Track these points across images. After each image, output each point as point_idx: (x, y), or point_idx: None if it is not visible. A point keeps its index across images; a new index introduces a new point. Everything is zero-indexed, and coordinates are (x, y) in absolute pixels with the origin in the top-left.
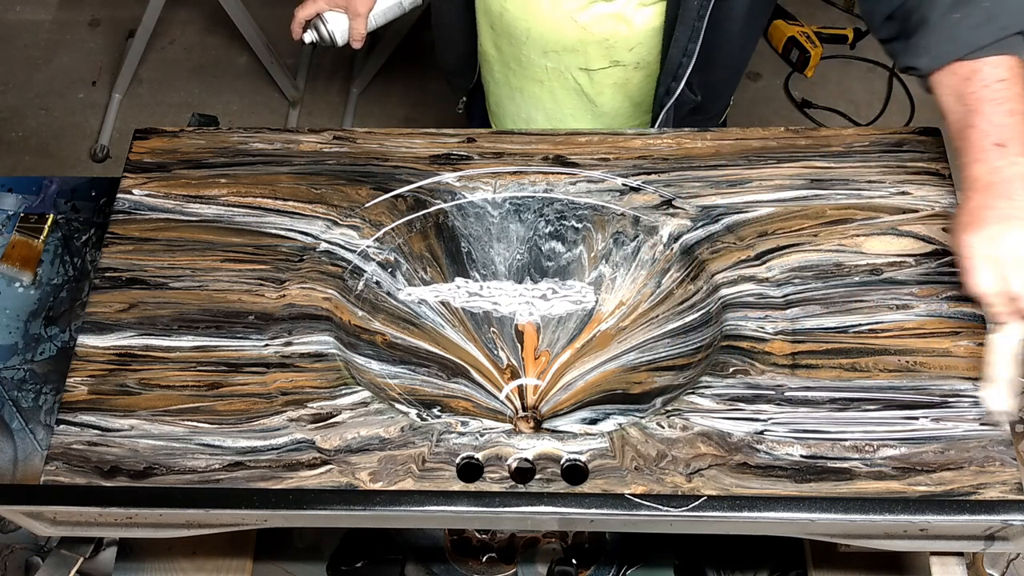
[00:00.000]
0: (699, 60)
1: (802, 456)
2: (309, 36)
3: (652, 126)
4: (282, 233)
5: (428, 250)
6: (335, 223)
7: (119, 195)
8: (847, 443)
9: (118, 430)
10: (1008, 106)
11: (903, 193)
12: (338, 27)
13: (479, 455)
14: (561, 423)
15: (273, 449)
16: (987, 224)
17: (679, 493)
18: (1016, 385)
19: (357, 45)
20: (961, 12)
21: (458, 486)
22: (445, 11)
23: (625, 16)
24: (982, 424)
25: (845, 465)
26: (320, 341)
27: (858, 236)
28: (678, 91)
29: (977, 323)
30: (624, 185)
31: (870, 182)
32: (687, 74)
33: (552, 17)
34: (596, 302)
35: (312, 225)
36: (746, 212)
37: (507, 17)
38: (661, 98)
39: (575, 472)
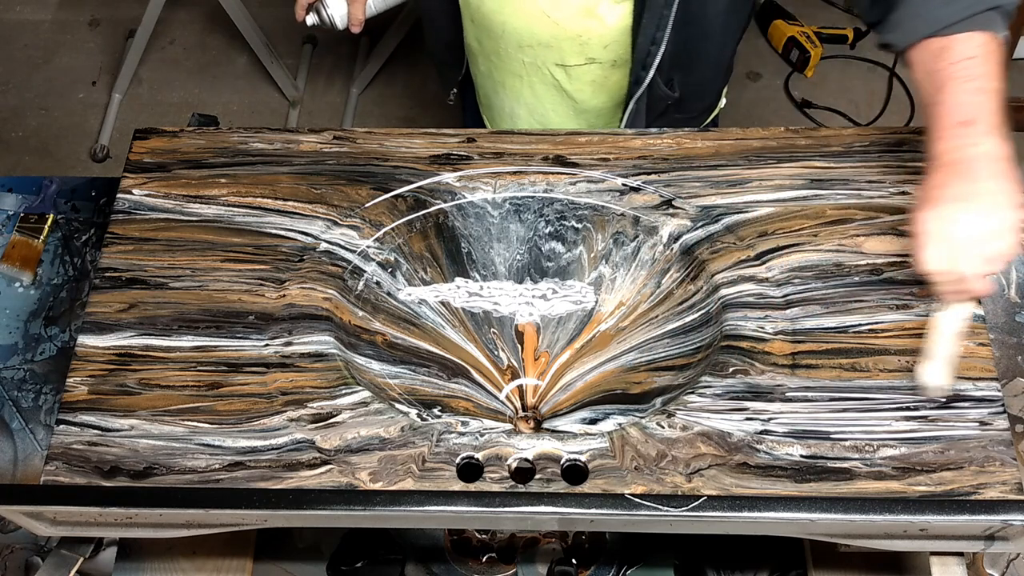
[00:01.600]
0: (676, 56)
1: (802, 456)
2: (311, 19)
3: (622, 117)
4: (282, 233)
5: (428, 250)
6: (335, 223)
7: (119, 195)
8: (847, 443)
9: (118, 430)
10: (976, 84)
11: (903, 193)
12: (338, 11)
13: (479, 455)
14: (561, 423)
15: (273, 449)
16: (942, 203)
17: (679, 493)
18: (954, 363)
19: (356, 29)
20: None
21: (458, 486)
22: (432, 4)
23: (596, 12)
24: (920, 395)
25: (845, 465)
26: (320, 341)
27: (858, 236)
28: (647, 80)
29: (978, 323)
30: (624, 185)
31: (870, 182)
32: (656, 63)
33: (526, 12)
34: (596, 302)
35: (312, 225)
36: (746, 212)
37: (484, 10)
38: (631, 87)
39: (575, 472)
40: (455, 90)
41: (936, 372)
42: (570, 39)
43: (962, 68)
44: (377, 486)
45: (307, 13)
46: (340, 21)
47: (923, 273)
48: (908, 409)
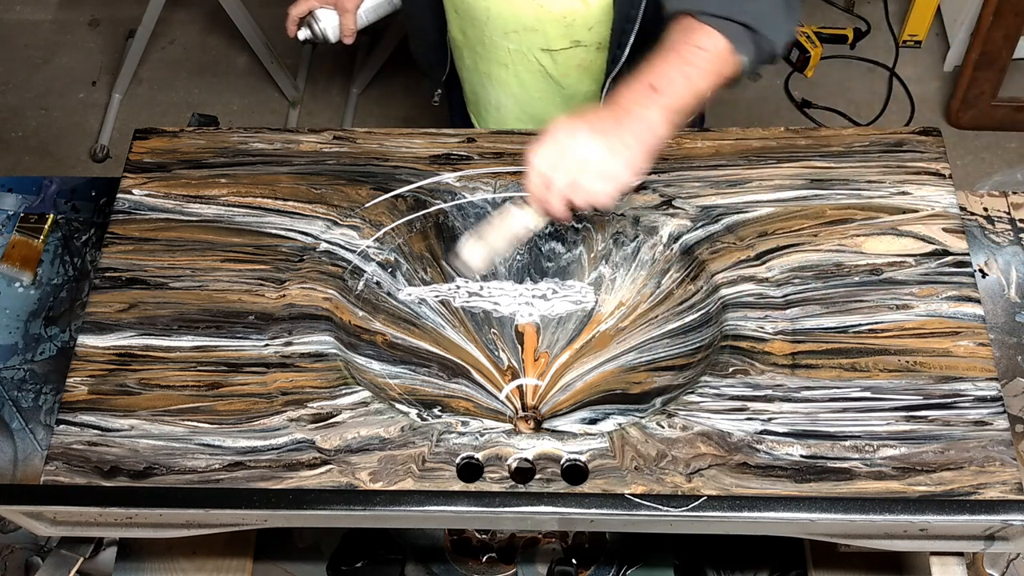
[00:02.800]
0: (652, 36)
1: (802, 456)
2: (303, 33)
3: (600, 98)
4: (282, 233)
5: (428, 250)
6: (335, 223)
7: (119, 195)
8: (847, 443)
9: (118, 430)
10: (689, 69)
11: (903, 193)
12: (329, 24)
13: (479, 455)
14: (561, 423)
15: (273, 449)
16: (580, 120)
17: (679, 493)
18: (495, 255)
19: (348, 40)
20: None
21: (458, 486)
22: (414, 1)
23: None
24: (452, 268)
25: (845, 465)
26: (320, 341)
27: (858, 236)
28: (622, 60)
29: (977, 323)
30: None
31: (870, 182)
32: (630, 43)
33: None
34: (596, 302)
35: (312, 225)
36: (746, 212)
37: None
38: (608, 67)
39: (575, 472)
40: (440, 91)
41: (476, 252)
42: (554, 21)
43: (690, 52)
44: (377, 486)
45: (299, 28)
46: (332, 33)
47: (526, 163)
48: (908, 409)
